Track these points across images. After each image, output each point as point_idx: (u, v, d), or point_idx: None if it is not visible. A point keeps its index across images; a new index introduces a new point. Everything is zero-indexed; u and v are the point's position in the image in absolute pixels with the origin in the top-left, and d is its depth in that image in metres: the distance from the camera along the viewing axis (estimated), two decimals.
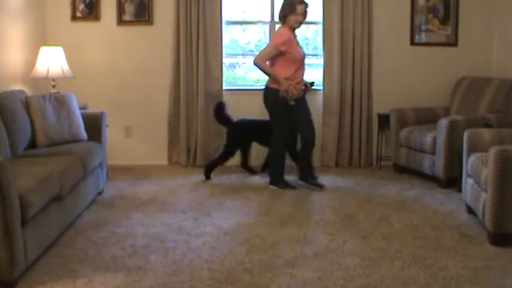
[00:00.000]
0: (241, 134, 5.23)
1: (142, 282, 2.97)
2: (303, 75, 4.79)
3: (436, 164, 4.95)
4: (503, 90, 5.14)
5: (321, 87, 5.79)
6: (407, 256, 3.34)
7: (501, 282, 2.99)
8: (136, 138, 5.92)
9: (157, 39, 5.74)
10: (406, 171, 5.44)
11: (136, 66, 5.80)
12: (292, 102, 4.62)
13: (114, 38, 5.75)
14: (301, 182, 4.85)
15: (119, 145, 5.76)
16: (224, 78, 5.83)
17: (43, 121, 4.37)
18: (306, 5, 4.65)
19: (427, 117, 5.53)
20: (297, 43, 4.74)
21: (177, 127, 5.79)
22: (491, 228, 3.49)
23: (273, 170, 4.86)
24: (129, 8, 5.69)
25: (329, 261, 3.26)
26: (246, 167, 5.45)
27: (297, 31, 4.79)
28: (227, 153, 5.22)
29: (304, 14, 4.66)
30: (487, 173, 3.51)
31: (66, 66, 5.10)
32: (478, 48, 5.86)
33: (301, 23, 4.69)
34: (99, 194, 4.63)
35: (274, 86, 4.65)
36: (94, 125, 4.75)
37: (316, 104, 5.77)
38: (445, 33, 5.86)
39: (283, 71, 4.63)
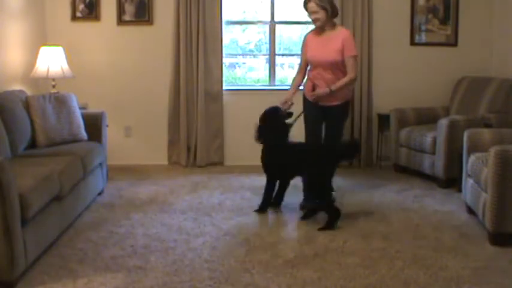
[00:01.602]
0: None
1: (142, 282, 2.97)
2: (323, 80, 4.19)
3: (436, 164, 4.95)
4: (503, 90, 5.14)
5: None
6: (407, 256, 3.34)
7: (501, 282, 2.99)
8: (136, 138, 5.91)
9: (157, 39, 5.74)
10: (406, 171, 5.44)
11: (137, 66, 5.79)
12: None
13: (114, 38, 5.75)
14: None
15: (119, 145, 5.76)
16: (224, 78, 5.83)
17: (43, 121, 4.37)
18: (317, 1, 4.08)
19: (427, 117, 5.53)
20: (323, 45, 4.20)
21: (177, 127, 5.78)
22: (491, 228, 3.49)
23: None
24: (129, 8, 5.69)
25: (329, 261, 3.26)
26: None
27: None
28: None
29: (315, 12, 4.10)
30: (487, 173, 3.51)
31: (66, 66, 5.10)
32: (478, 48, 5.86)
33: (316, 20, 4.14)
34: (99, 194, 4.62)
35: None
36: (94, 125, 4.75)
37: None
38: (445, 33, 5.85)
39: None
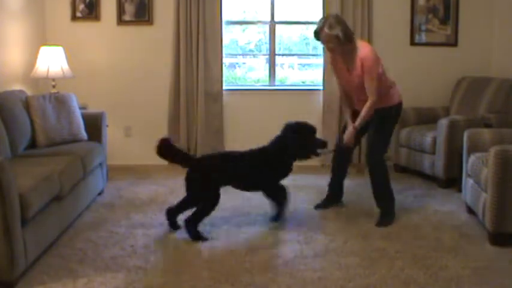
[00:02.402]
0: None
1: (142, 282, 2.97)
2: (361, 102, 3.95)
3: (436, 164, 4.95)
4: (503, 90, 5.14)
5: (321, 87, 5.80)
6: (407, 256, 3.34)
7: (501, 282, 2.99)
8: (136, 138, 5.91)
9: (157, 39, 5.74)
10: (406, 171, 5.44)
11: (137, 66, 5.79)
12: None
13: (114, 38, 5.75)
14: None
15: (119, 145, 5.76)
16: (224, 78, 5.83)
17: (43, 121, 4.37)
18: (326, 31, 3.78)
19: (427, 117, 5.53)
20: (347, 67, 3.93)
21: (177, 127, 5.78)
22: (491, 228, 3.49)
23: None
24: (129, 8, 5.69)
25: (329, 261, 3.26)
26: None
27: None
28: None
29: (328, 41, 3.81)
30: (487, 173, 3.51)
31: (66, 66, 5.10)
32: (478, 48, 5.86)
33: (331, 50, 3.90)
34: (99, 194, 4.63)
35: None
36: (94, 125, 4.75)
37: (316, 104, 5.78)
38: (445, 33, 5.86)
39: None
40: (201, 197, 3.71)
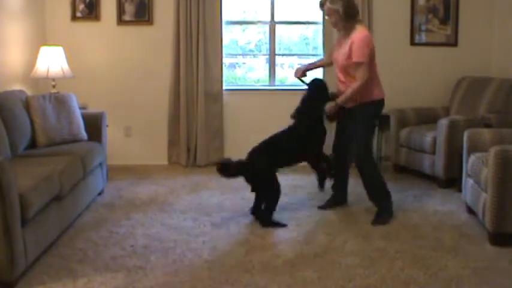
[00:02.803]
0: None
1: (142, 282, 2.97)
2: (340, 82, 4.06)
3: (436, 164, 4.95)
4: (503, 90, 5.14)
5: None
6: (407, 256, 3.34)
7: (501, 282, 3.00)
8: (137, 138, 5.91)
9: (157, 39, 5.74)
10: (406, 171, 5.44)
11: (137, 66, 5.79)
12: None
13: (114, 38, 5.75)
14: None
15: (119, 145, 5.76)
16: (224, 78, 5.83)
17: (43, 121, 4.37)
18: (328, 5, 3.88)
19: (427, 117, 5.53)
20: (341, 46, 3.97)
21: (177, 127, 5.79)
22: (491, 228, 3.49)
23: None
24: (129, 8, 5.69)
25: (329, 261, 3.26)
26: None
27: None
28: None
29: (328, 15, 3.91)
30: (487, 173, 3.51)
31: (66, 66, 5.10)
32: (478, 48, 5.86)
33: (332, 24, 4.01)
34: (99, 194, 4.63)
35: None
36: (94, 125, 4.75)
37: None
38: (445, 33, 5.86)
39: None
40: (264, 189, 4.00)
